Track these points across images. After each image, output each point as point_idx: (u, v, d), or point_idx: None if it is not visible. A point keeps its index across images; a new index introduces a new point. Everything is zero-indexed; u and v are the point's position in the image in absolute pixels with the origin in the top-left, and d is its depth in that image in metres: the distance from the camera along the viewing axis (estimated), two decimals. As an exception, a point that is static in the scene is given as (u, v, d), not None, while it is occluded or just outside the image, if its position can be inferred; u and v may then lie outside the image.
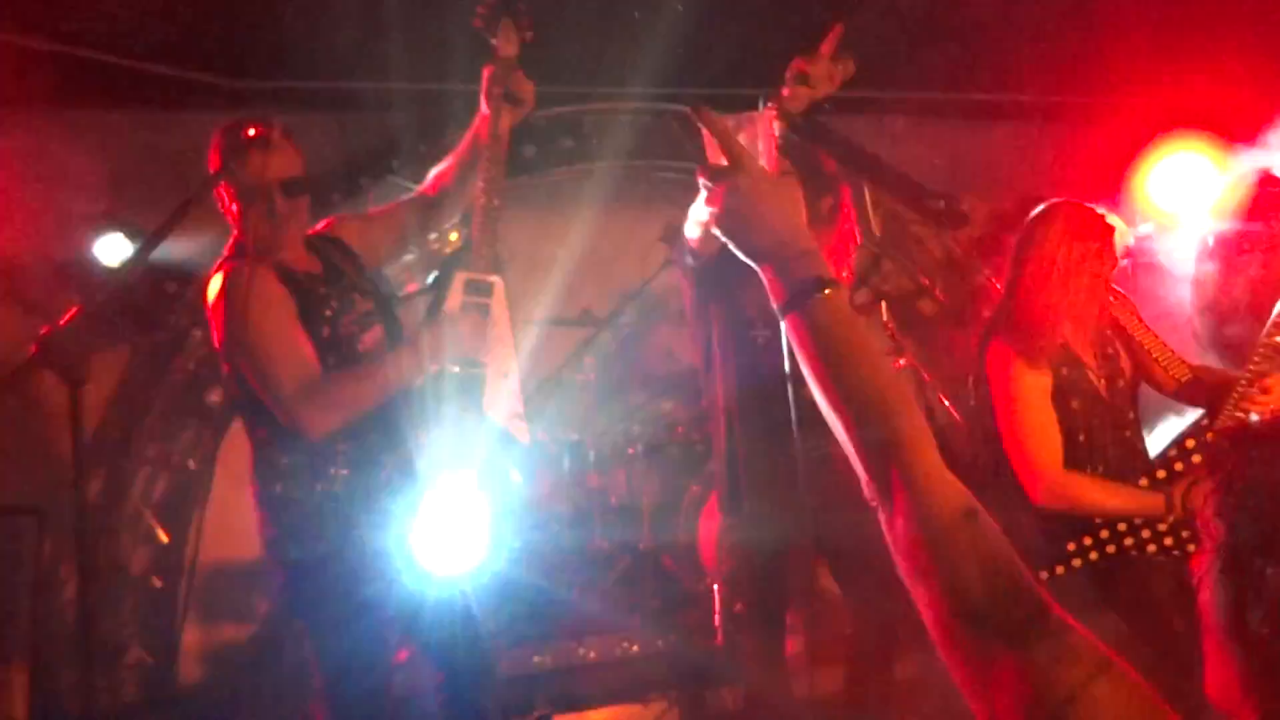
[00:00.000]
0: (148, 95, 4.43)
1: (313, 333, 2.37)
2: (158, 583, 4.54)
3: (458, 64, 4.10)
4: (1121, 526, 2.55)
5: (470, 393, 2.47)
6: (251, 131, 2.12)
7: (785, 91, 2.41)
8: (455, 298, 2.52)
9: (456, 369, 2.43)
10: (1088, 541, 2.55)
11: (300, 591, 2.38)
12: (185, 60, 4.18)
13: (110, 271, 4.14)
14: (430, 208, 2.70)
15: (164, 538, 4.55)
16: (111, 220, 4.30)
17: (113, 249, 4.24)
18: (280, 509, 2.37)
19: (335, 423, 2.30)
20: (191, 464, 4.63)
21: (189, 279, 4.39)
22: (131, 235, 4.27)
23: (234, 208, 2.40)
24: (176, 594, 4.56)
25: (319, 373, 2.33)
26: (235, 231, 2.45)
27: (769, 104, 2.41)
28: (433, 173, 2.72)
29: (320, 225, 2.64)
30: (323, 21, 3.85)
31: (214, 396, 4.54)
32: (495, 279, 2.55)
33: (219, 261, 2.42)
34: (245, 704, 4.18)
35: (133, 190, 4.46)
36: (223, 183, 2.36)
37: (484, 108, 2.57)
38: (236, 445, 4.63)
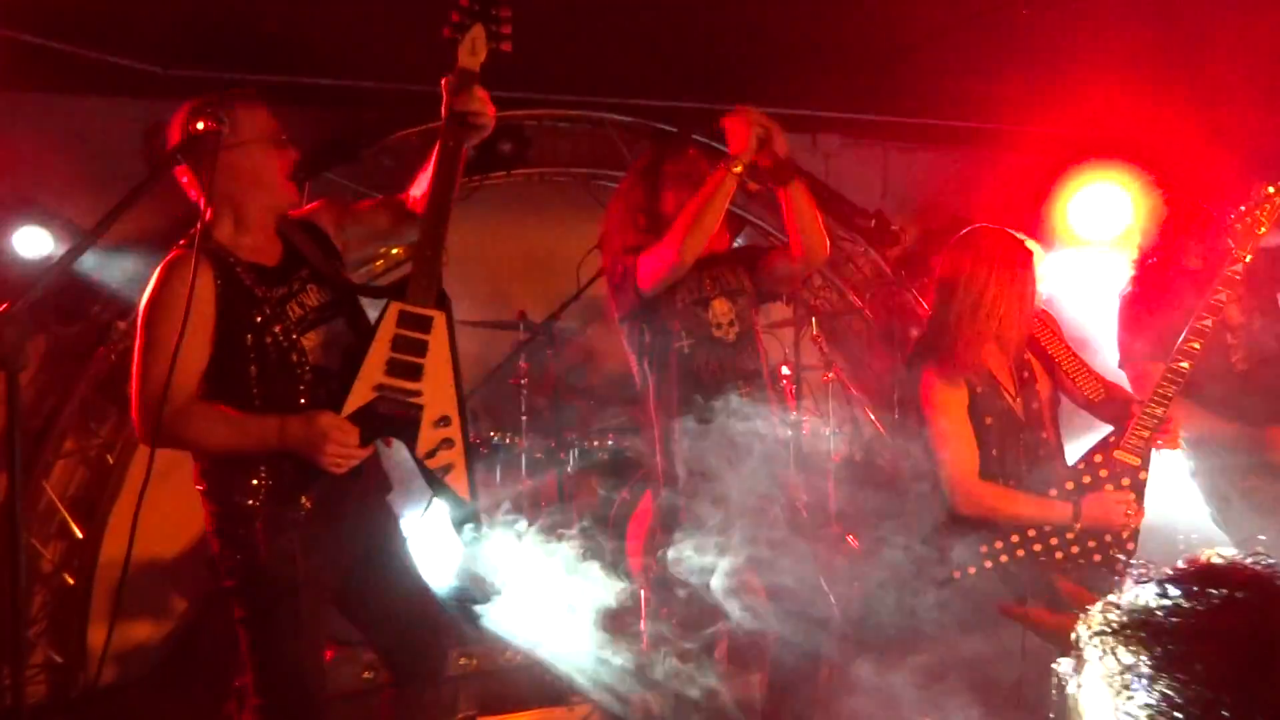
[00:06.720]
0: (75, 80, 4.32)
1: (234, 337, 2.25)
2: (70, 580, 4.41)
3: (402, 62, 4.10)
4: (1031, 533, 2.71)
5: (403, 433, 2.28)
6: (234, 91, 2.06)
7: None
8: (388, 330, 2.26)
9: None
10: (999, 545, 2.71)
11: (237, 590, 2.33)
12: (113, 46, 4.08)
13: (38, 260, 4.01)
14: (404, 218, 2.54)
15: (78, 533, 4.43)
16: (31, 207, 4.17)
17: (31, 240, 4.10)
18: (209, 510, 2.34)
19: (171, 444, 2.22)
20: (110, 458, 4.51)
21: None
22: (50, 224, 4.12)
23: (202, 182, 2.21)
24: (89, 592, 4.43)
25: (192, 388, 2.22)
26: (204, 210, 2.22)
27: (718, 167, 2.71)
28: (415, 183, 2.53)
29: (307, 207, 2.55)
30: (257, 13, 3.80)
31: (136, 390, 4.42)
32: (435, 313, 2.29)
33: (183, 237, 2.31)
34: (157, 705, 4.07)
35: (55, 176, 4.35)
36: (190, 156, 2.22)
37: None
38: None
